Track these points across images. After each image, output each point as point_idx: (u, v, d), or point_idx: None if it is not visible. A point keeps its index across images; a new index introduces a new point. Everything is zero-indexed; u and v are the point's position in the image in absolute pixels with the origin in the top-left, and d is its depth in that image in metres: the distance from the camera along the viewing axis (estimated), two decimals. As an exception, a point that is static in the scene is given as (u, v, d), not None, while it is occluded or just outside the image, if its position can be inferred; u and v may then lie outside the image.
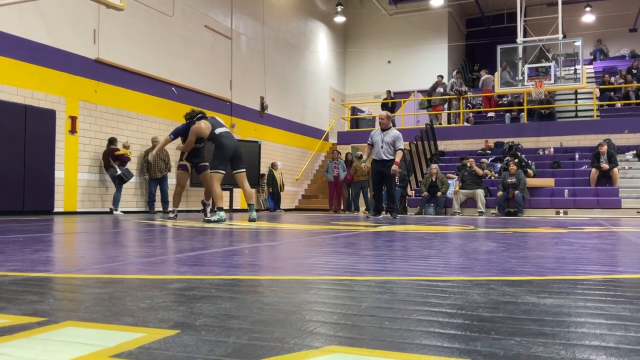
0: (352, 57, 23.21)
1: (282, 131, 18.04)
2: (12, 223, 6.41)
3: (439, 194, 13.42)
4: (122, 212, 11.19)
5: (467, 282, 1.94)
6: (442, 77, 19.20)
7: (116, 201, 11.16)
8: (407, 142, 14.10)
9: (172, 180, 11.53)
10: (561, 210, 12.90)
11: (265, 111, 17.06)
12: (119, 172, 11.04)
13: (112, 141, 11.20)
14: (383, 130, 9.30)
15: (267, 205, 15.97)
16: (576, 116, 18.60)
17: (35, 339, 1.09)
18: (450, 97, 18.29)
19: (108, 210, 11.31)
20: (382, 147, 9.17)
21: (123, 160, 11.19)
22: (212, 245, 3.63)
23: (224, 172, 7.33)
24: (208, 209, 8.23)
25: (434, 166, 13.99)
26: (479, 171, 13.48)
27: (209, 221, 7.13)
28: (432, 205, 13.50)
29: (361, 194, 15.05)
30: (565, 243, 3.95)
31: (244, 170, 7.60)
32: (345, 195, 15.71)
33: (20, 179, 9.31)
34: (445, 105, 18.66)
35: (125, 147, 11.40)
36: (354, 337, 1.13)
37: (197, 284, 1.82)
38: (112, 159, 11.08)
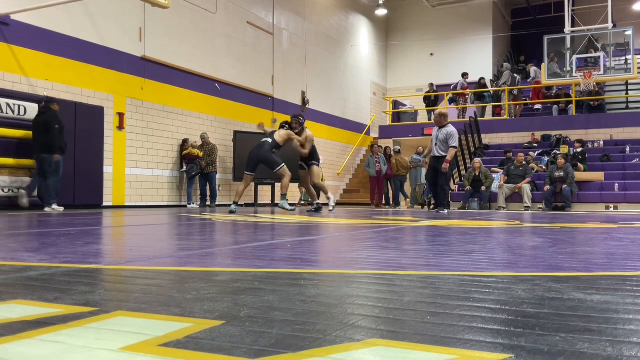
0: (393, 50, 23.00)
1: (324, 126, 18.05)
2: (64, 217, 6.64)
3: (483, 188, 13.21)
4: (196, 205, 12.23)
5: (511, 277, 1.91)
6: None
7: (188, 195, 12.24)
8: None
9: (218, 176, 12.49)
10: (611, 205, 12.51)
11: (307, 106, 17.10)
12: (183, 169, 12.21)
13: (184, 142, 12.23)
14: (439, 127, 9.37)
15: (306, 198, 15.91)
16: (627, 108, 17.98)
17: (87, 328, 1.13)
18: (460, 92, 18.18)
19: (154, 204, 11.63)
20: (436, 144, 9.36)
21: (189, 158, 12.07)
22: (255, 239, 3.67)
23: None
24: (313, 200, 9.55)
25: (477, 160, 13.77)
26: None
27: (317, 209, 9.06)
28: (475, 199, 13.30)
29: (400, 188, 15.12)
30: (615, 239, 3.84)
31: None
32: (386, 190, 15.64)
33: (71, 174, 9.60)
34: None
35: (193, 146, 12.17)
36: (396, 331, 1.14)
37: (241, 277, 1.86)
38: (182, 157, 12.20)
